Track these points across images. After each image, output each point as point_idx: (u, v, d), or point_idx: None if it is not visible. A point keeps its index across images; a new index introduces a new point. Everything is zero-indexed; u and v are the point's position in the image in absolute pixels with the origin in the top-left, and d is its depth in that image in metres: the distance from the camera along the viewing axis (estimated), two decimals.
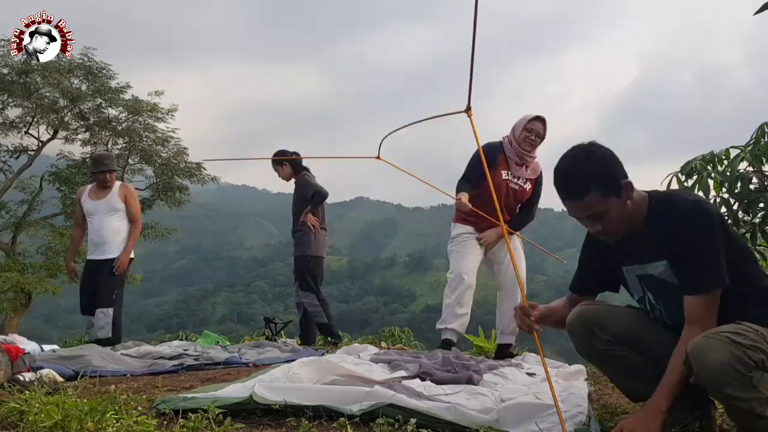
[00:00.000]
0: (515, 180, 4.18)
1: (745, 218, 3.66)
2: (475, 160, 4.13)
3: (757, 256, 3.53)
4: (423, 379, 2.70)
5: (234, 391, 2.31)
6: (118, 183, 5.10)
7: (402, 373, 2.76)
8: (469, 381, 2.70)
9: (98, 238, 4.94)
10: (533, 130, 4.07)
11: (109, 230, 4.91)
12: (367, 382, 2.43)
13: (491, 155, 4.03)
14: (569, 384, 2.75)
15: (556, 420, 1.86)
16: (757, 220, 3.56)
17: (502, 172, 4.13)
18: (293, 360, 3.11)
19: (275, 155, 5.54)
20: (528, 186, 4.24)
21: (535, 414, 1.97)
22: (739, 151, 3.58)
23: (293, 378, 2.57)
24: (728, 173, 3.51)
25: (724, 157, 3.72)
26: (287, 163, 5.51)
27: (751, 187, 3.51)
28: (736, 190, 3.48)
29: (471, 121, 2.48)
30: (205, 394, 2.25)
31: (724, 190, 3.61)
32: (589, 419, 2.03)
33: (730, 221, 3.66)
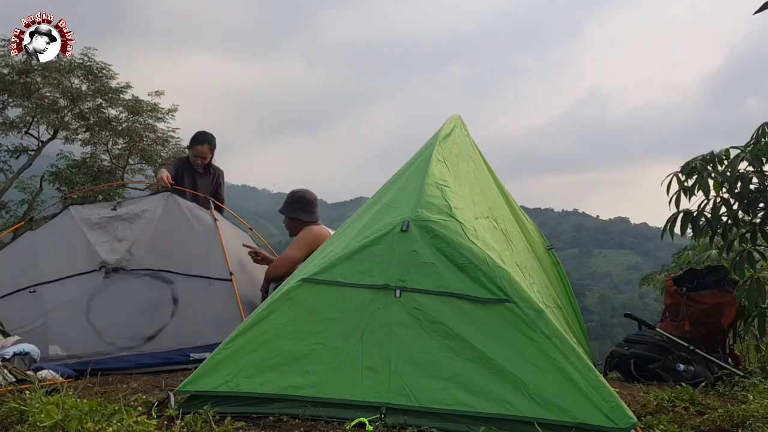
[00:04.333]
0: None
1: (745, 218, 3.65)
2: None
3: (757, 256, 3.54)
4: None
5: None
6: None
7: None
8: None
9: None
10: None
11: None
12: None
13: None
14: None
15: None
16: (757, 220, 3.56)
17: None
18: None
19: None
20: None
21: None
22: (739, 151, 3.57)
23: None
24: (728, 173, 3.50)
25: (724, 157, 3.72)
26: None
27: (751, 187, 3.51)
28: (736, 190, 3.48)
29: None
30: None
31: (724, 190, 3.61)
32: None
33: (730, 221, 3.66)
